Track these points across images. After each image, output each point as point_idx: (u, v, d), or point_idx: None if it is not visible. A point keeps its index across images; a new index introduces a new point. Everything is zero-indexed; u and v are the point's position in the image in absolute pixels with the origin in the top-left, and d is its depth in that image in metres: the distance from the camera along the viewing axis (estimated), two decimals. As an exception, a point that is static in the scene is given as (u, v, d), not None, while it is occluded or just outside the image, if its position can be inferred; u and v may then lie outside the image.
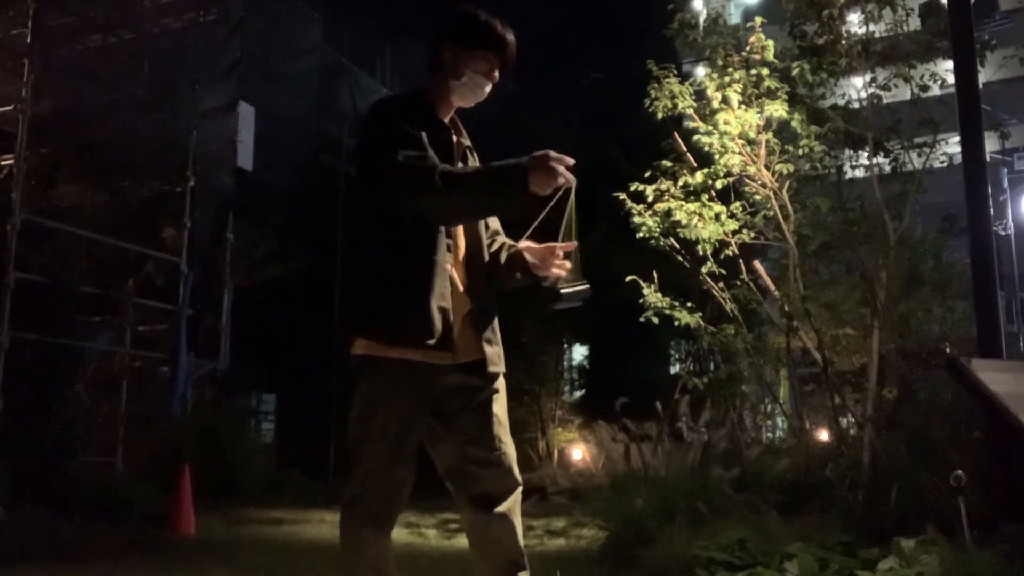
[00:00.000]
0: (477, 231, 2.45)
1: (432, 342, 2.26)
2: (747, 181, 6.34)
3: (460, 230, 2.41)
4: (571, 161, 2.18)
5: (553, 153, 2.16)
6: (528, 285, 2.51)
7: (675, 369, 14.54)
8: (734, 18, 17.91)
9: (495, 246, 2.54)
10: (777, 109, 5.98)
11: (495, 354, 2.41)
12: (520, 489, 2.42)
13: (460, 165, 2.43)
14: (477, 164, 2.52)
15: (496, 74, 2.45)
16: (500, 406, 2.42)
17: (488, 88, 2.46)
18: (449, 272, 2.33)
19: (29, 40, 10.24)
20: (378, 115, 2.40)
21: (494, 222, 2.59)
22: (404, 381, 2.29)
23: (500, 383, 2.44)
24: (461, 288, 2.38)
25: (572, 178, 2.18)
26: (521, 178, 2.15)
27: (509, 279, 2.51)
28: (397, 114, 2.36)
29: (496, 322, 2.46)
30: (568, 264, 2.40)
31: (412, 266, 2.29)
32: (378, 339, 2.30)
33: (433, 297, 2.27)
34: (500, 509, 2.35)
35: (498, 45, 2.42)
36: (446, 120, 2.48)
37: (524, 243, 2.48)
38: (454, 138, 2.47)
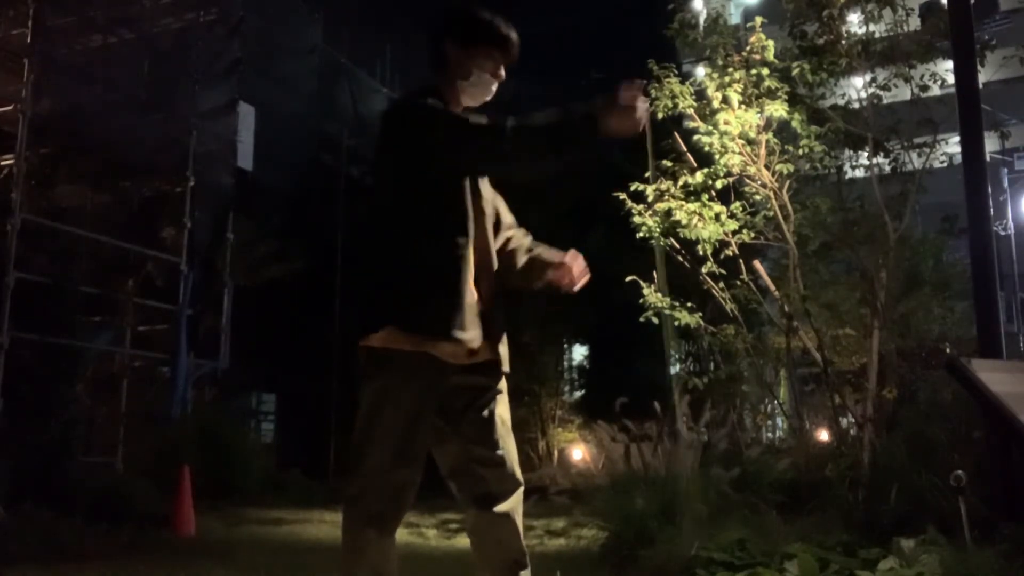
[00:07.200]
0: (485, 233, 2.42)
1: (463, 336, 2.25)
2: (747, 181, 6.33)
3: (471, 230, 2.38)
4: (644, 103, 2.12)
5: (627, 94, 2.12)
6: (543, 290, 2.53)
7: (675, 369, 14.53)
8: (734, 18, 17.88)
9: (511, 244, 2.53)
10: (777, 109, 5.97)
11: (504, 354, 2.41)
12: (522, 489, 2.42)
13: None
14: None
15: (502, 72, 2.44)
16: (503, 407, 2.42)
17: (495, 87, 2.45)
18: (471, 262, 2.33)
19: (29, 40, 10.25)
20: (412, 102, 2.40)
21: (508, 216, 2.57)
22: (413, 378, 2.27)
23: (503, 384, 2.44)
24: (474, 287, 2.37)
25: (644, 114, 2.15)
26: (590, 131, 2.12)
27: (525, 283, 2.52)
28: (431, 100, 2.36)
29: (503, 322, 2.45)
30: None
31: (444, 257, 2.28)
32: (408, 328, 2.26)
33: (465, 289, 2.27)
34: (502, 509, 2.35)
35: (503, 43, 2.42)
36: None
37: (548, 253, 2.50)
38: None
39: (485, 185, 2.47)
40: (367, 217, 2.51)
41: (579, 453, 11.85)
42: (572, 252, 2.51)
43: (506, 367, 2.42)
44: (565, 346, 15.39)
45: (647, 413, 6.86)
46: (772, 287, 6.58)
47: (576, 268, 2.48)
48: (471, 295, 2.29)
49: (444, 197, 2.32)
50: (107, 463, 10.00)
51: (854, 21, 6.32)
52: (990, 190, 5.11)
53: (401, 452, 2.27)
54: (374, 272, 2.38)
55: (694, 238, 6.23)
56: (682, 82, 6.40)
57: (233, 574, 5.11)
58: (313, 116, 15.62)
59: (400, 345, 2.26)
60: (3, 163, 10.05)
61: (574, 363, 16.03)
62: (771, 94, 6.01)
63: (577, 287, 2.49)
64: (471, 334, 2.27)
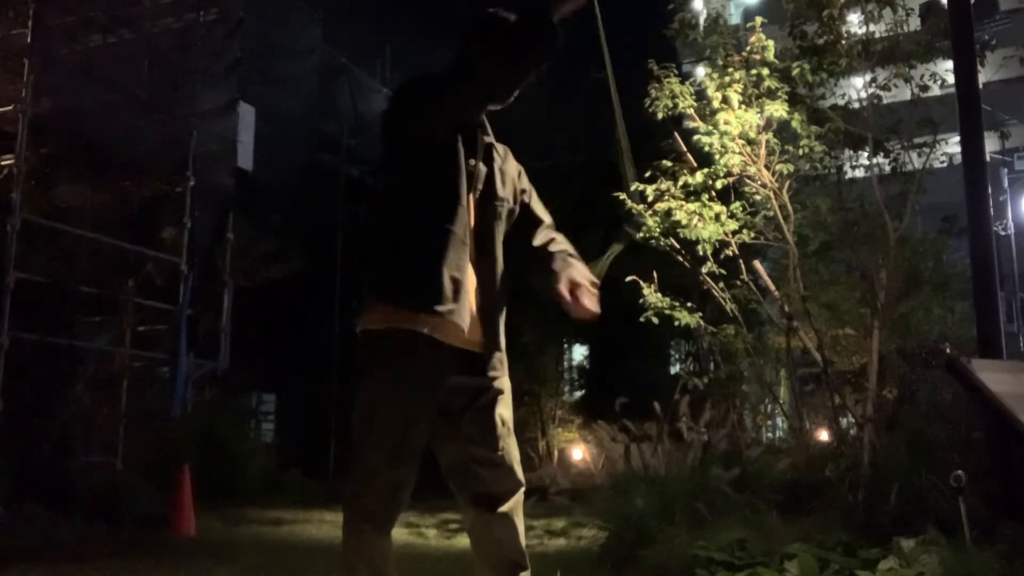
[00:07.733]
0: (490, 230, 2.41)
1: (442, 309, 2.24)
2: (747, 181, 6.33)
3: (460, 218, 2.35)
4: None
5: None
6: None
7: (675, 369, 14.55)
8: (734, 18, 17.91)
9: (548, 243, 2.53)
10: (777, 109, 5.97)
11: (499, 360, 2.41)
12: (523, 490, 2.42)
13: (473, 163, 2.39)
14: (499, 161, 2.48)
15: None
16: (505, 407, 2.42)
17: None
18: (467, 246, 2.32)
19: (29, 40, 10.26)
20: (411, 78, 2.45)
21: (543, 215, 2.57)
22: (410, 374, 2.27)
23: (506, 384, 2.43)
24: (472, 278, 2.35)
25: None
26: (548, 23, 2.17)
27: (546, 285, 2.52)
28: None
29: (502, 326, 2.44)
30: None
31: (426, 233, 2.30)
32: (390, 301, 2.29)
33: (446, 264, 2.27)
34: (502, 509, 2.35)
35: None
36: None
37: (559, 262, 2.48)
38: (480, 137, 2.44)
39: (504, 182, 2.46)
40: (367, 216, 2.55)
41: (579, 453, 11.86)
42: (583, 281, 2.41)
43: (504, 372, 2.42)
44: (565, 346, 15.41)
45: (647, 413, 6.86)
46: (772, 287, 6.58)
47: (582, 304, 2.38)
48: (457, 274, 2.28)
49: (433, 188, 2.33)
50: (107, 463, 10.00)
51: (854, 21, 6.32)
52: (990, 190, 5.11)
53: (398, 452, 2.28)
54: (366, 259, 2.45)
55: (694, 238, 6.23)
56: (682, 82, 6.40)
57: (233, 574, 5.12)
58: (313, 116, 15.64)
59: (394, 323, 2.27)
60: (3, 163, 10.06)
61: (574, 363, 16.05)
62: (771, 94, 6.00)
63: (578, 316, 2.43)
64: (452, 307, 2.26)
